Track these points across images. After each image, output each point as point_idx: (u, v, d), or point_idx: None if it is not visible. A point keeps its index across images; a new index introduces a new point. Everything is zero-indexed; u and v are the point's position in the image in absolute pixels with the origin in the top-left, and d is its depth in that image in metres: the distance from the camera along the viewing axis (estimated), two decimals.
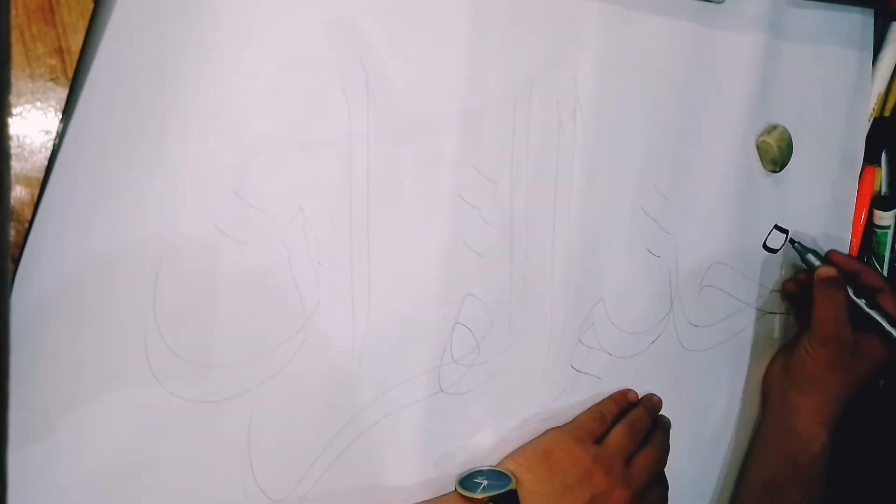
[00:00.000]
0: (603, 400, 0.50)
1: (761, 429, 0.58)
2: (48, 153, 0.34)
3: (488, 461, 0.46)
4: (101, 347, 0.34)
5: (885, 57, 0.60)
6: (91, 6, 0.34)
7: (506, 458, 0.46)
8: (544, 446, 0.47)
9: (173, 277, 0.34)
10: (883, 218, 0.62)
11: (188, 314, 0.35)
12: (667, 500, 0.51)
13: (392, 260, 0.40)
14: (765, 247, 0.57)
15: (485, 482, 0.43)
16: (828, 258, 0.57)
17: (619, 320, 0.50)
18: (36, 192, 0.34)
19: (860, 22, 0.58)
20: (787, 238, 0.57)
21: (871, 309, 0.54)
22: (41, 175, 0.34)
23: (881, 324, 0.54)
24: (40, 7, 0.34)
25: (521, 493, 0.43)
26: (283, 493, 0.39)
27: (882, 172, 0.63)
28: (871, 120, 0.61)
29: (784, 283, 0.59)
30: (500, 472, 0.45)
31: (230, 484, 0.37)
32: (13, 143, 0.34)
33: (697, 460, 0.57)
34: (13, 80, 0.33)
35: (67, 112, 0.33)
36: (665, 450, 0.51)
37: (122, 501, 0.35)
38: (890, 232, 0.62)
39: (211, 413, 0.36)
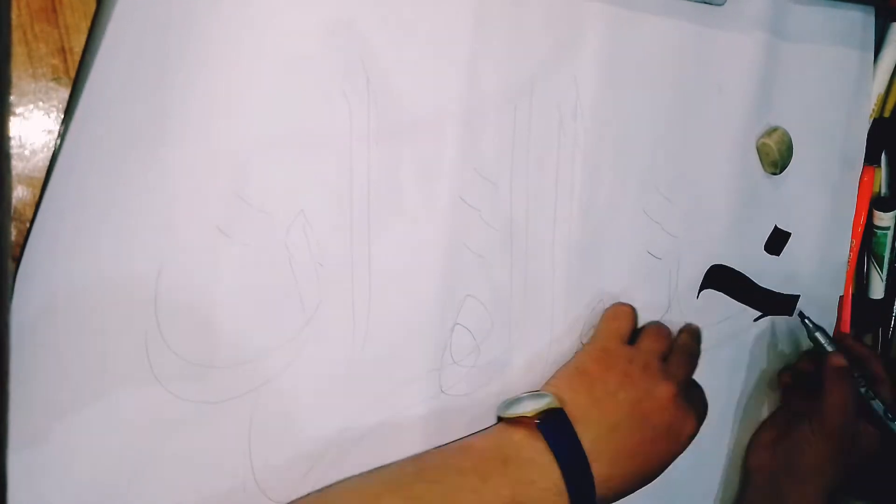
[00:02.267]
0: None
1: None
2: (50, 153, 0.34)
3: None
4: (102, 348, 0.34)
5: (885, 58, 0.60)
6: (94, 6, 0.34)
7: (546, 382, 0.45)
8: (575, 364, 0.45)
9: (174, 278, 0.34)
10: (883, 219, 0.62)
11: (189, 315, 0.35)
12: (706, 401, 0.49)
13: (393, 261, 0.40)
14: (765, 249, 0.57)
15: (528, 403, 0.42)
16: (836, 341, 0.56)
17: None
18: (38, 193, 0.34)
19: (860, 23, 0.58)
20: (796, 310, 0.57)
21: (873, 400, 0.54)
22: (43, 175, 0.34)
23: (880, 416, 0.54)
24: (43, 7, 0.34)
25: (565, 410, 0.42)
26: (284, 494, 0.39)
27: (882, 173, 0.63)
28: (871, 121, 0.61)
29: (780, 374, 0.59)
30: (539, 393, 0.43)
31: (231, 485, 0.37)
32: (15, 143, 0.34)
33: (696, 463, 0.57)
34: (15, 79, 0.33)
35: (68, 112, 0.33)
36: (695, 351, 0.50)
37: (123, 502, 0.35)
38: (890, 233, 0.62)
39: (212, 414, 0.36)
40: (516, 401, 0.42)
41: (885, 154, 0.63)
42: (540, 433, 0.40)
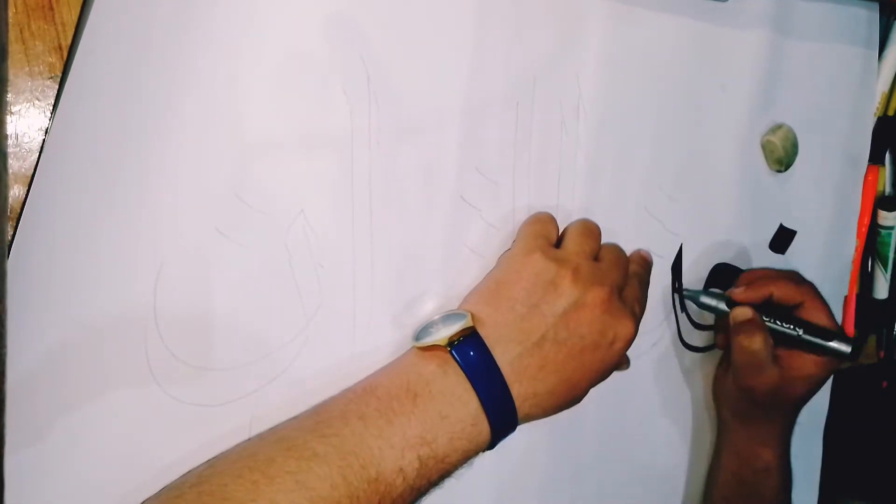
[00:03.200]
0: None
1: (716, 442, 0.56)
2: None
3: (489, 465, 0.46)
4: (101, 350, 0.33)
5: (890, 55, 0.60)
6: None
7: (464, 299, 0.42)
8: (496, 276, 0.42)
9: (174, 280, 0.34)
10: (887, 218, 0.62)
11: (189, 317, 0.35)
12: (646, 283, 0.47)
13: (393, 261, 0.40)
14: (770, 247, 0.57)
15: (441, 328, 0.39)
16: (732, 300, 0.51)
17: None
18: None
19: (865, 20, 0.58)
20: (679, 286, 0.52)
21: (791, 329, 0.50)
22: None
23: (807, 341, 0.50)
24: (40, 5, 0.33)
25: (482, 331, 0.38)
26: None
27: (886, 172, 0.63)
28: (876, 119, 0.61)
29: (716, 342, 0.55)
30: (453, 314, 0.40)
31: None
32: (11, 142, 0.33)
33: (698, 462, 0.56)
34: (12, 77, 0.33)
35: (58, 109, 0.33)
36: (624, 259, 0.45)
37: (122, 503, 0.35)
38: (894, 232, 0.62)
39: (212, 416, 0.36)
40: (430, 326, 0.39)
41: (890, 153, 0.63)
42: (454, 360, 0.37)
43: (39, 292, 0.33)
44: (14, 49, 0.33)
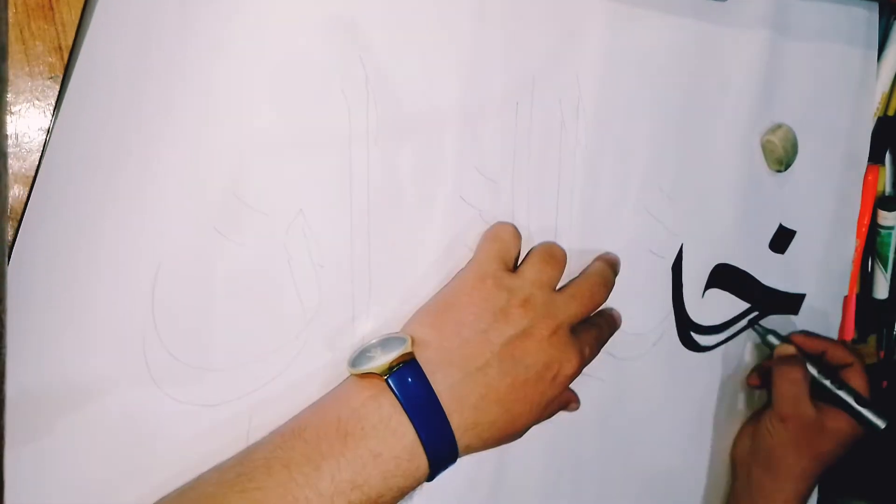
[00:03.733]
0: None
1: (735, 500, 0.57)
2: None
3: (488, 465, 0.45)
4: (99, 350, 0.33)
5: (890, 55, 0.60)
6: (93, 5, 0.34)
7: (411, 318, 0.40)
8: (445, 296, 0.40)
9: (172, 280, 0.34)
10: (887, 218, 0.62)
11: (187, 317, 0.35)
12: (604, 340, 0.45)
13: (392, 261, 0.40)
14: (770, 247, 0.57)
15: (378, 353, 0.37)
16: (788, 337, 0.56)
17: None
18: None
19: (864, 20, 0.58)
20: (749, 320, 0.57)
21: (834, 386, 0.54)
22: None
23: (846, 401, 0.53)
24: (40, 5, 0.33)
25: (424, 355, 0.37)
26: None
27: (886, 172, 0.63)
28: (875, 119, 0.61)
29: (748, 378, 0.58)
30: (393, 337, 0.38)
31: None
32: (11, 142, 0.33)
33: (698, 462, 0.56)
34: (12, 77, 0.33)
35: (60, 109, 0.33)
36: (605, 279, 0.44)
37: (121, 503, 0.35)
38: (894, 232, 0.62)
39: (210, 416, 0.36)
40: (367, 350, 0.38)
41: (890, 153, 0.63)
42: (390, 390, 0.35)
43: (39, 292, 0.33)
44: (14, 49, 0.33)
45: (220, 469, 0.35)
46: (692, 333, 0.54)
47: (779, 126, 0.54)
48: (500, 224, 0.42)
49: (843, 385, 0.54)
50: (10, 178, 0.33)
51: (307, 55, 0.36)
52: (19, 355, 0.32)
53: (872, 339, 0.67)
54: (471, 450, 0.38)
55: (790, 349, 0.54)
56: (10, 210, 0.33)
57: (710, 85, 0.50)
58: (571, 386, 0.42)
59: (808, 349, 0.55)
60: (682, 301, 0.53)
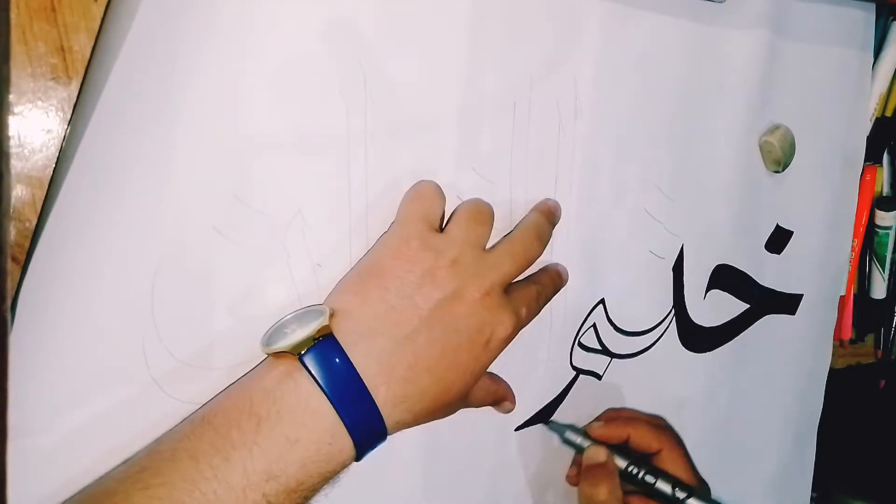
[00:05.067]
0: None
1: None
2: (49, 152, 0.35)
3: (487, 468, 0.45)
4: (99, 349, 0.34)
5: (887, 56, 0.60)
6: (93, 6, 0.34)
7: (330, 291, 0.38)
8: (369, 262, 0.37)
9: (172, 279, 0.34)
10: (884, 218, 0.62)
11: (187, 316, 0.35)
12: (547, 297, 0.42)
13: None
14: (766, 247, 0.57)
15: (295, 329, 0.34)
16: (586, 433, 0.48)
17: (619, 321, 0.50)
18: (37, 192, 0.34)
19: (861, 21, 0.58)
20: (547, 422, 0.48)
21: (648, 478, 0.47)
22: (42, 174, 0.35)
23: (662, 493, 0.46)
24: (42, 6, 0.34)
25: (346, 325, 0.34)
26: None
27: (884, 172, 0.63)
28: (873, 120, 0.61)
29: (566, 478, 0.50)
30: (310, 310, 0.36)
31: None
32: (14, 143, 0.34)
33: (700, 462, 0.57)
34: (14, 79, 0.33)
35: (74, 113, 0.34)
36: (540, 232, 0.41)
37: None
38: (891, 232, 0.62)
39: None
40: (283, 326, 0.35)
41: (887, 153, 0.63)
42: (305, 369, 0.33)
43: (40, 292, 0.33)
44: (16, 50, 0.33)
45: (127, 463, 0.33)
46: (693, 334, 0.54)
47: (776, 127, 0.54)
48: (422, 182, 0.40)
49: (658, 473, 0.47)
50: (13, 178, 0.34)
51: (306, 56, 0.36)
52: (21, 355, 0.32)
53: (870, 338, 0.67)
54: (401, 426, 0.36)
55: (599, 455, 0.46)
56: (12, 210, 0.33)
57: (708, 86, 0.51)
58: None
59: (612, 440, 0.48)
60: (683, 302, 0.53)
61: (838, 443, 0.64)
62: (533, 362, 0.47)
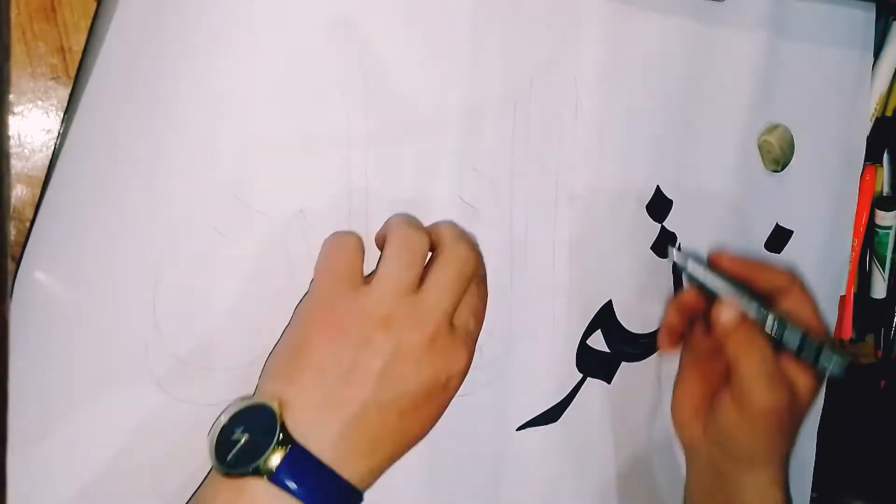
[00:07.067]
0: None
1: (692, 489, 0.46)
2: (49, 152, 0.35)
3: (486, 468, 0.45)
4: (101, 350, 0.34)
5: (887, 56, 0.60)
6: (93, 6, 0.34)
7: (262, 372, 0.35)
8: (293, 337, 0.35)
9: (173, 280, 0.34)
10: (885, 218, 0.62)
11: (188, 317, 0.35)
12: (482, 278, 0.39)
13: None
14: (766, 247, 0.57)
15: (244, 437, 0.32)
16: (711, 263, 0.44)
17: (623, 322, 0.50)
18: (37, 192, 0.34)
19: (861, 21, 0.58)
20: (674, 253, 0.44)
21: (783, 329, 0.42)
22: (42, 174, 0.34)
23: (800, 351, 0.43)
24: (42, 6, 0.34)
25: (291, 418, 0.32)
26: None
27: (884, 172, 0.63)
28: (873, 120, 0.61)
29: (659, 340, 0.47)
30: (251, 407, 0.33)
31: None
32: (14, 143, 0.34)
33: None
34: (14, 78, 0.33)
35: (69, 112, 0.34)
36: (467, 243, 0.37)
37: (122, 502, 0.35)
38: (892, 232, 0.62)
39: (212, 415, 0.36)
40: (227, 431, 0.33)
41: (888, 153, 0.63)
42: (278, 489, 0.31)
43: (41, 292, 0.33)
44: (16, 50, 0.33)
45: None
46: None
47: (776, 126, 0.54)
48: (335, 234, 0.37)
49: (783, 323, 0.42)
50: (13, 178, 0.34)
51: (306, 56, 0.36)
52: (22, 355, 0.32)
53: (870, 338, 0.67)
54: (374, 482, 0.34)
55: (736, 313, 0.41)
56: (12, 210, 0.33)
57: (708, 85, 0.51)
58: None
59: (740, 274, 0.44)
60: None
61: (838, 443, 0.64)
62: (536, 365, 0.47)
